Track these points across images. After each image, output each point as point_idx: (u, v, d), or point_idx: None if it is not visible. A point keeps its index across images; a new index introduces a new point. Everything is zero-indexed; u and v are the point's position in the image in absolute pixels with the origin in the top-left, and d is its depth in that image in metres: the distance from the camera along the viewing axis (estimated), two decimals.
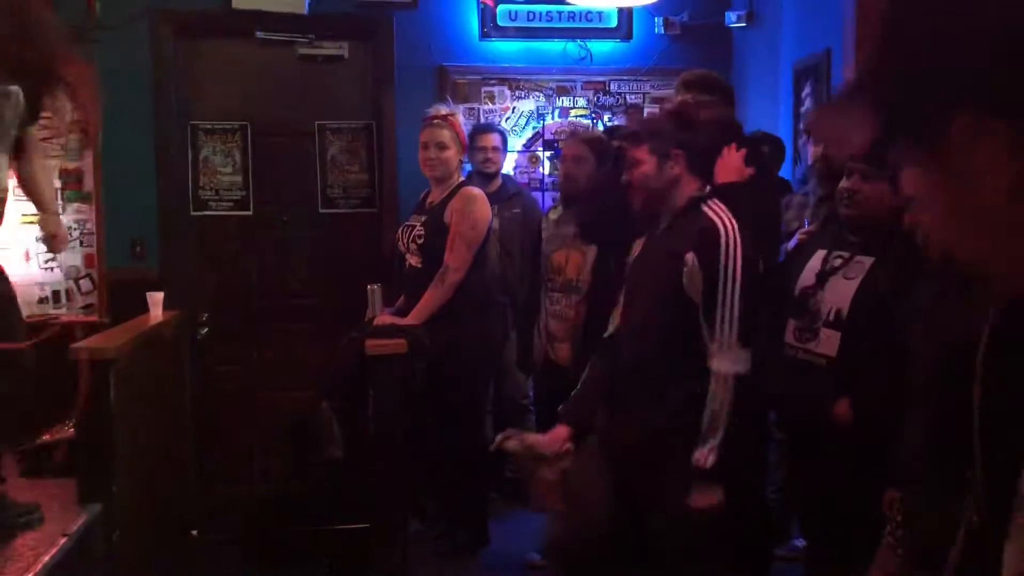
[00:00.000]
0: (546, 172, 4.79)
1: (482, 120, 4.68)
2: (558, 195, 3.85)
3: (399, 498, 3.57)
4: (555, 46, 4.80)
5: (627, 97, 4.84)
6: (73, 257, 4.58)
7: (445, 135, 3.60)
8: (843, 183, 2.67)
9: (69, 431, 3.67)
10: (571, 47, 4.80)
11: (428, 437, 3.70)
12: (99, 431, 3.19)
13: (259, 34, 4.55)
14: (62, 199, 4.54)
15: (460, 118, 3.76)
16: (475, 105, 4.76)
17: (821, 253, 2.71)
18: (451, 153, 3.60)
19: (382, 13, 4.62)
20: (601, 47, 4.83)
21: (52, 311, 4.55)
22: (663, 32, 4.79)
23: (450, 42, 4.72)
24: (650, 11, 4.71)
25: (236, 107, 4.65)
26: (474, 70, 4.75)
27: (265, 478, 4.73)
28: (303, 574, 4.24)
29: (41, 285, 4.56)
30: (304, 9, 4.45)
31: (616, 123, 4.66)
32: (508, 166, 4.64)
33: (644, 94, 4.83)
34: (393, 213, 4.53)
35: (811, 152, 3.67)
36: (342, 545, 4.36)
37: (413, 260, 3.61)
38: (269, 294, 4.72)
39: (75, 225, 4.56)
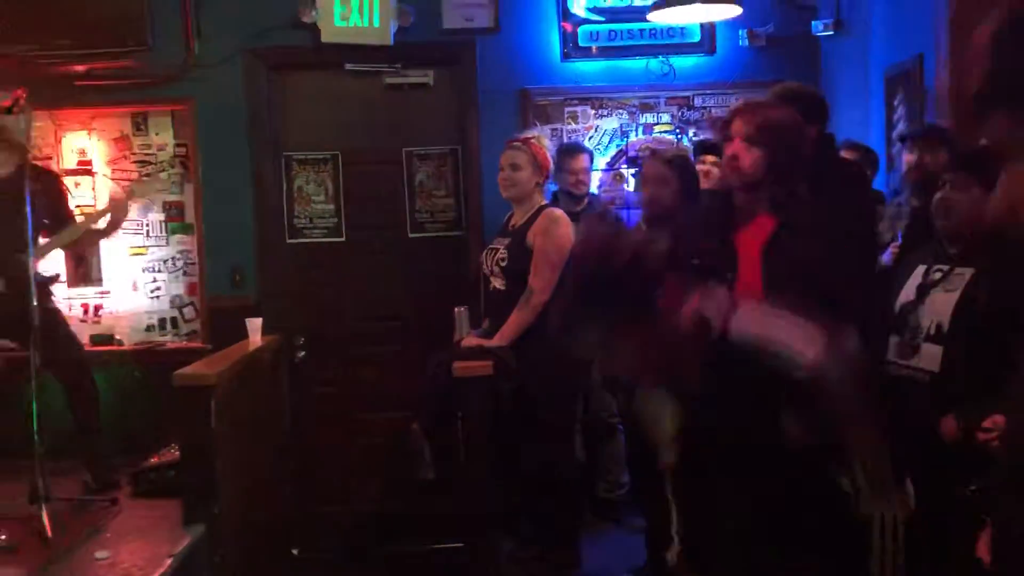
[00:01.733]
0: (631, 190, 4.77)
1: (565, 140, 4.70)
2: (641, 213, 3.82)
3: (491, 518, 3.59)
4: (637, 63, 4.79)
5: (712, 111, 4.79)
6: (177, 286, 4.79)
7: (520, 157, 3.64)
8: (937, 194, 2.61)
9: (175, 454, 3.83)
10: (653, 63, 4.78)
11: (518, 457, 3.71)
12: (201, 455, 3.33)
13: (348, 66, 4.69)
14: (165, 231, 4.78)
15: (545, 142, 3.79)
16: (558, 125, 4.78)
17: (921, 268, 2.65)
18: (524, 174, 3.63)
19: (465, 40, 4.70)
20: (684, 62, 4.80)
21: (158, 338, 4.77)
22: (747, 44, 4.73)
23: (532, 64, 4.76)
24: (733, 24, 4.66)
25: (327, 137, 4.79)
26: (556, 91, 4.78)
27: (363, 497, 4.82)
28: None
29: (148, 313, 4.79)
30: (390, 40, 4.56)
31: (702, 137, 4.62)
32: (592, 185, 4.64)
33: (729, 107, 4.77)
34: (478, 235, 4.58)
35: (905, 161, 3.56)
36: (438, 564, 4.43)
37: (497, 283, 3.65)
38: (362, 317, 4.83)
39: (178, 255, 4.78)
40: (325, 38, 4.56)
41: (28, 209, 3.32)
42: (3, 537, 3.18)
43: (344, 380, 4.81)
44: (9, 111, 3.26)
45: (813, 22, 4.65)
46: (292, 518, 4.67)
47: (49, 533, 3.14)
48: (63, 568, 3.00)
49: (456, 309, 3.94)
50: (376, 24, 4.56)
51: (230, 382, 3.59)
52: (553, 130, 4.73)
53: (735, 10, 4.09)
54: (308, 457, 4.78)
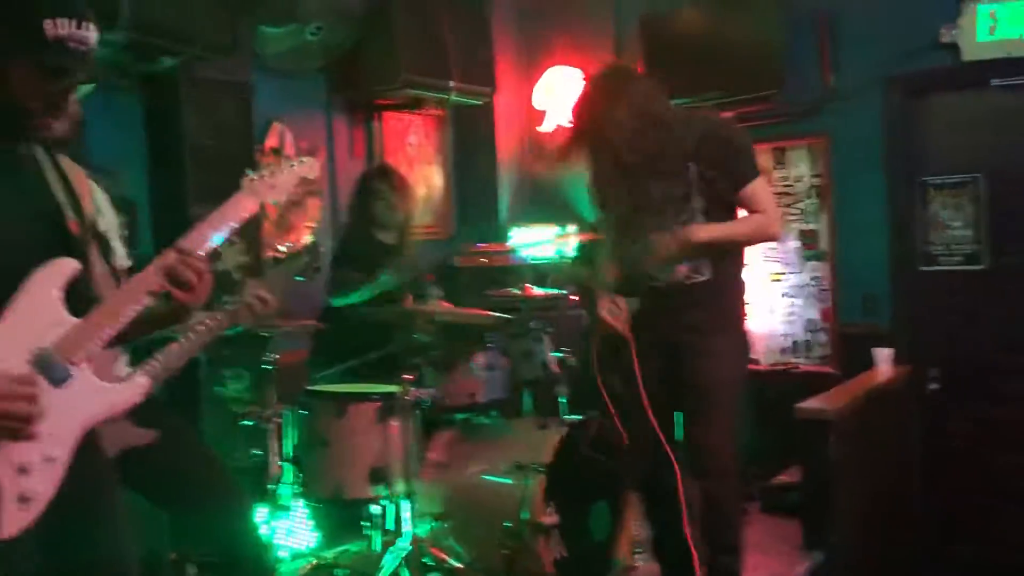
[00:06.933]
0: None
1: None
2: None
3: None
4: None
5: None
6: (811, 311, 5.01)
7: None
8: None
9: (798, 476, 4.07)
10: None
11: None
12: (819, 484, 3.50)
13: (994, 82, 4.38)
14: (801, 258, 5.02)
15: None
16: None
17: None
18: None
19: None
20: None
21: (792, 360, 5.05)
22: None
23: None
24: None
25: (967, 159, 4.53)
26: None
27: (1004, 544, 4.47)
28: None
29: (784, 336, 5.09)
30: None
31: None
32: None
33: None
34: None
35: None
36: None
37: None
38: (1004, 350, 4.46)
39: (812, 282, 4.99)
40: (967, 56, 4.33)
41: None
42: None
43: (982, 417, 4.51)
44: None
45: None
46: (922, 555, 4.55)
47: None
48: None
49: None
50: None
51: (852, 416, 3.68)
52: None
53: None
54: (941, 493, 4.60)
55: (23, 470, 1.59)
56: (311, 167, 1.96)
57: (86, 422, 1.69)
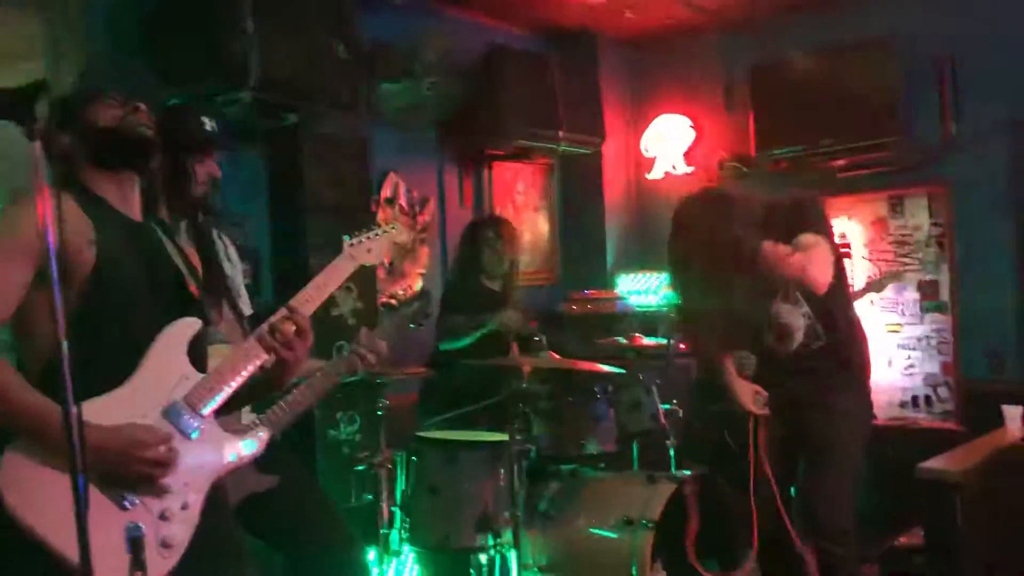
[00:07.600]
0: None
1: None
2: None
3: None
4: None
5: None
6: (931, 365, 4.81)
7: None
8: None
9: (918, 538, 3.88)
10: None
11: None
12: (947, 552, 3.32)
13: None
14: (920, 310, 4.84)
15: None
16: None
17: None
18: None
19: None
20: None
21: (911, 415, 4.85)
22: None
23: None
24: None
25: None
26: None
27: None
28: None
29: (902, 389, 4.90)
30: None
31: None
32: None
33: None
34: None
35: None
36: None
37: None
38: None
39: (932, 334, 4.80)
40: None
41: None
42: None
43: None
44: None
45: None
46: None
47: None
48: None
49: None
50: None
51: (980, 478, 3.48)
52: None
53: None
54: None
55: (164, 517, 1.68)
56: (401, 232, 2.13)
57: (217, 471, 1.77)
